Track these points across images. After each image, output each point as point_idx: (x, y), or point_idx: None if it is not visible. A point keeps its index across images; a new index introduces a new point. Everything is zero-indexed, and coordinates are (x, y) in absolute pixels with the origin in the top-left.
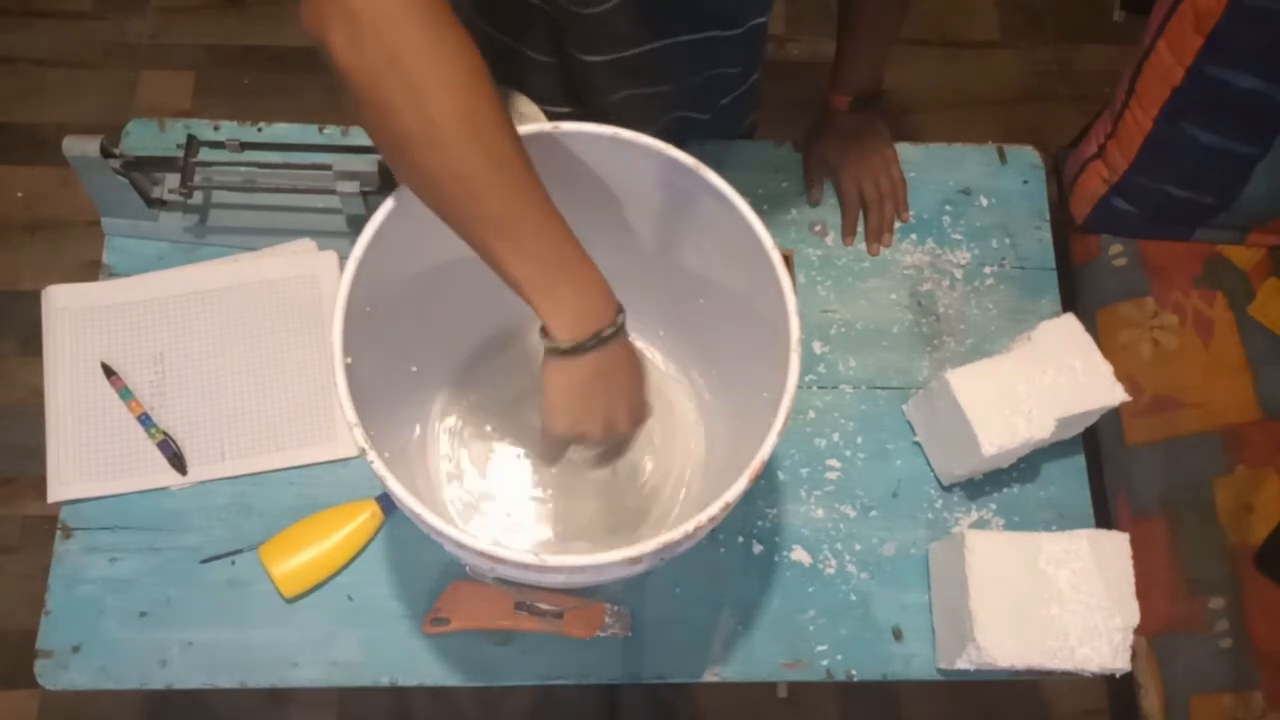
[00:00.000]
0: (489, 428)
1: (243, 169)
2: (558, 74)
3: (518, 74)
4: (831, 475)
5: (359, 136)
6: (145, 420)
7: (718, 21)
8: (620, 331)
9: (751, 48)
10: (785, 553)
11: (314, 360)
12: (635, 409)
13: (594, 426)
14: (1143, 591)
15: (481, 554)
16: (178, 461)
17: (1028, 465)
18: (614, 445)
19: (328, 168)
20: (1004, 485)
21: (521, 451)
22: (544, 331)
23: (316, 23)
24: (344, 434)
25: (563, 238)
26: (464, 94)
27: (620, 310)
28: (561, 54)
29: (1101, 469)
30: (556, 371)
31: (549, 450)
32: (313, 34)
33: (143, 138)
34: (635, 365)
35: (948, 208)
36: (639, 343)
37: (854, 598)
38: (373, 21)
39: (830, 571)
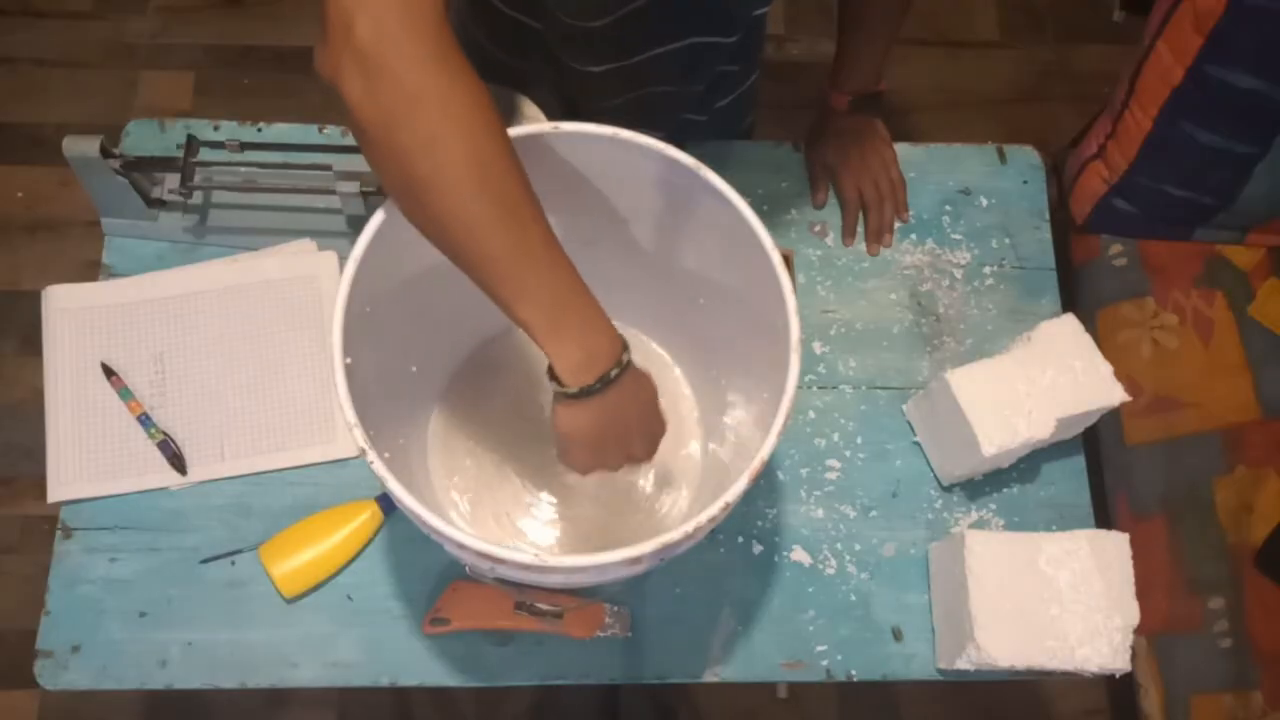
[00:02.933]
0: (488, 427)
1: (243, 169)
2: (554, 84)
3: (514, 83)
4: (831, 475)
5: None
6: (145, 420)
7: (720, 24)
8: (625, 369)
9: (750, 43)
10: (785, 553)
11: (314, 360)
12: (650, 434)
13: (610, 461)
14: (1143, 591)
15: (481, 554)
16: (178, 461)
17: (1028, 465)
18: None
19: (328, 168)
20: (1004, 485)
21: (521, 450)
22: (551, 374)
23: (331, 67)
24: (344, 434)
25: (569, 281)
26: (476, 139)
27: (625, 348)
28: (558, 65)
29: (1101, 469)
30: (566, 416)
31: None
32: (327, 78)
33: (143, 138)
34: (644, 393)
35: (948, 208)
36: (644, 340)
37: (854, 598)
38: (386, 66)
39: (830, 571)
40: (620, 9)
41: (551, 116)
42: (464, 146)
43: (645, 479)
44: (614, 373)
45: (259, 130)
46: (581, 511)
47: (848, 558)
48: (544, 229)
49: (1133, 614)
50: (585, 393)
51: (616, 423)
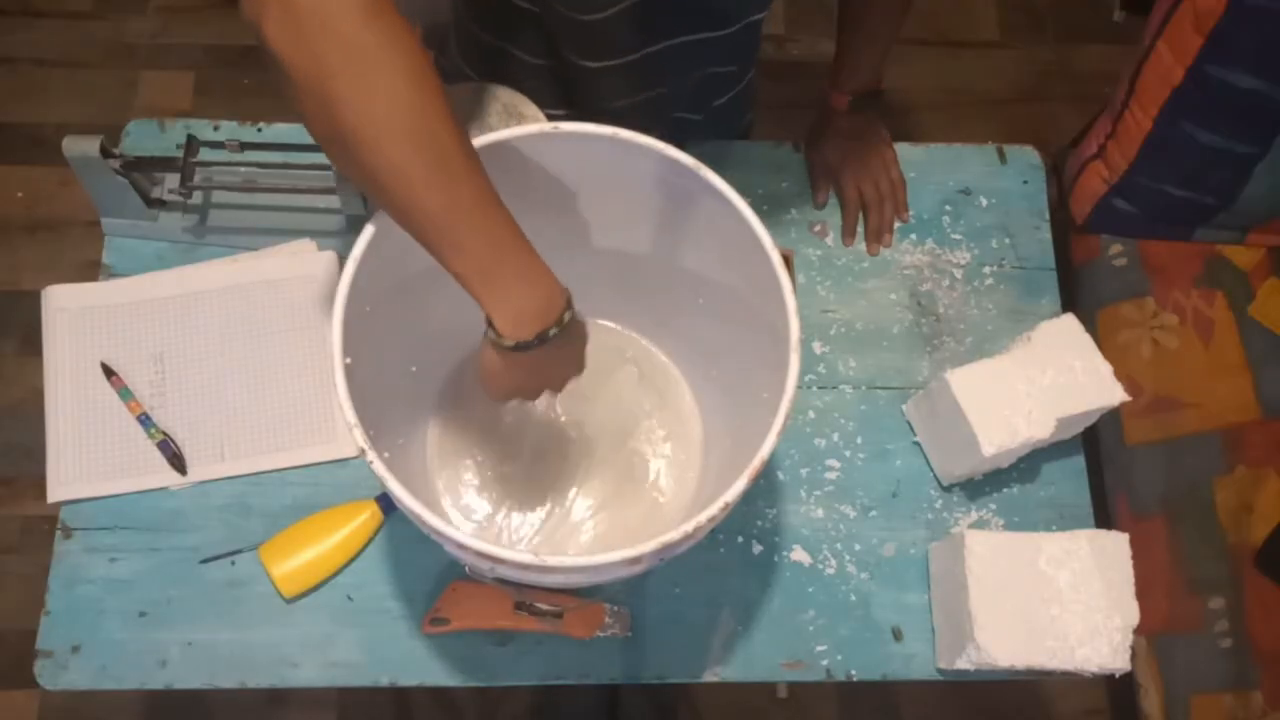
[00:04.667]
0: (488, 425)
1: (242, 169)
2: (552, 77)
3: (511, 77)
4: (831, 475)
5: None
6: (145, 420)
7: (715, 22)
8: (565, 327)
9: (747, 44)
10: (785, 553)
11: (314, 360)
12: (570, 373)
13: (527, 396)
14: (1143, 591)
15: (481, 554)
16: (178, 461)
17: (1028, 465)
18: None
19: (328, 168)
20: (1004, 485)
21: (521, 449)
22: (488, 321)
23: (255, 11)
24: (344, 434)
25: (506, 235)
26: (405, 89)
27: (568, 306)
28: (557, 58)
29: (1101, 469)
30: (493, 361)
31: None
32: (250, 21)
33: (143, 138)
34: (576, 342)
35: (948, 208)
36: (639, 341)
37: (854, 598)
38: (312, 12)
39: (830, 571)
40: (617, 4)
41: (546, 108)
42: (393, 97)
43: (635, 473)
44: (553, 331)
45: (259, 130)
46: (580, 509)
47: (848, 558)
48: (479, 182)
49: (1133, 614)
50: (520, 348)
51: (541, 372)
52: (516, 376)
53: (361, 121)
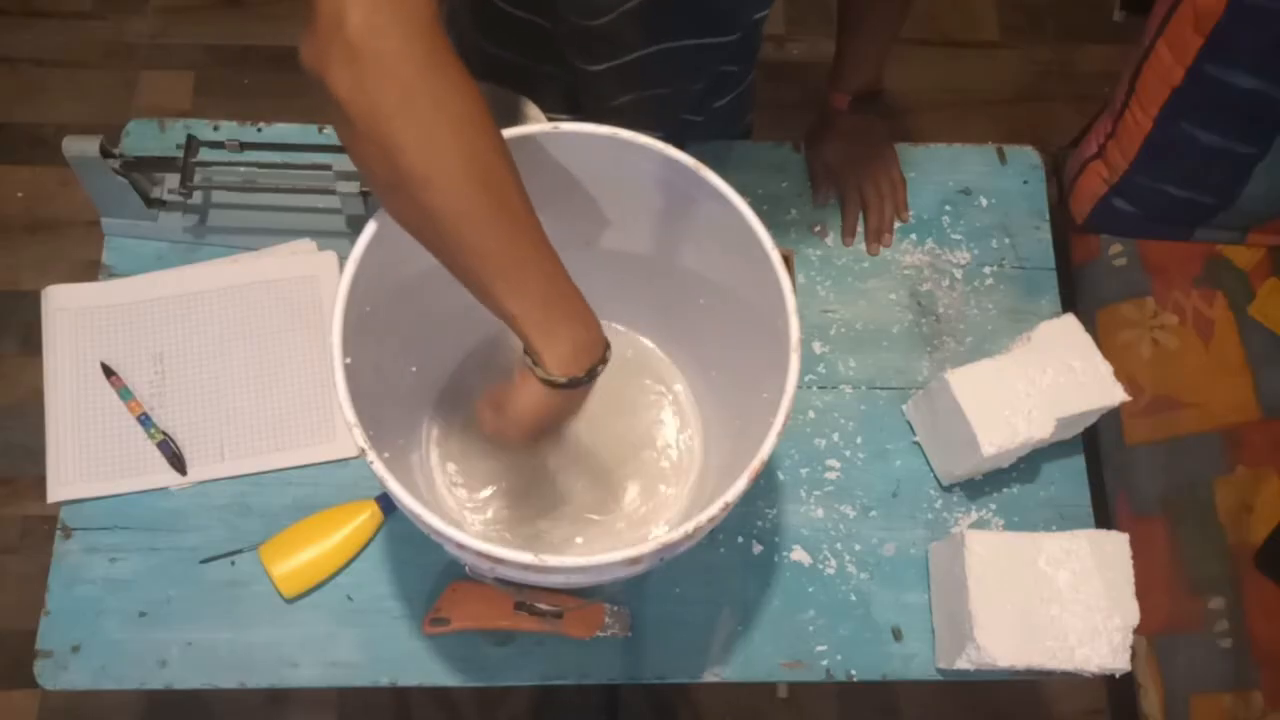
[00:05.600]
0: None
1: (242, 169)
2: (558, 83)
3: (511, 79)
4: (831, 475)
5: None
6: (145, 420)
7: (719, 25)
8: (607, 364)
9: (748, 44)
10: (785, 553)
11: (314, 360)
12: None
13: (551, 431)
14: (1143, 591)
15: (481, 554)
16: (178, 462)
17: (1028, 465)
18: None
19: (328, 168)
20: (1004, 485)
21: (519, 449)
22: (534, 360)
23: (317, 59)
24: (344, 434)
25: (559, 276)
26: (470, 135)
27: (608, 345)
28: (557, 61)
29: (1101, 469)
30: (539, 395)
31: (498, 440)
32: (313, 71)
33: (143, 138)
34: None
35: (948, 208)
36: (640, 341)
37: (854, 598)
38: (376, 60)
39: (830, 571)
40: (619, 7)
41: (546, 109)
42: (458, 142)
43: (634, 473)
44: (599, 369)
45: (259, 130)
46: (579, 510)
47: (848, 558)
48: (536, 224)
49: (1133, 614)
50: (572, 384)
51: (572, 406)
52: (555, 413)
53: (423, 166)
